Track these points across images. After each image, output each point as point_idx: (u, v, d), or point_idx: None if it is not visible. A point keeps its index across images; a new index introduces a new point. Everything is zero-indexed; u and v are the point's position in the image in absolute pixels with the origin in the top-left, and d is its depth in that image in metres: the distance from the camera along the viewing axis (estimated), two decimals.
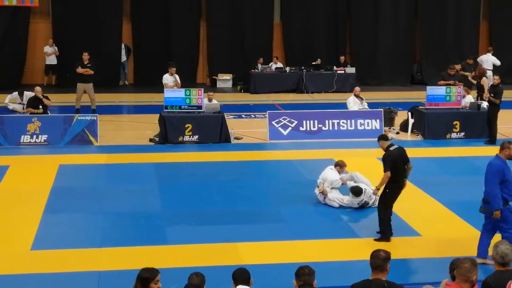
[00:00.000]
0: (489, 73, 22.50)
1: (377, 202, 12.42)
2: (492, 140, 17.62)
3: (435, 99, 18.46)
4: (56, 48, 25.96)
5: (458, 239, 10.94)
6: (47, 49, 25.83)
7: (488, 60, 25.22)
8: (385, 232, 10.72)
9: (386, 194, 10.80)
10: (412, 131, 18.77)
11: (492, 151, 16.93)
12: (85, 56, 20.24)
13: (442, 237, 11.03)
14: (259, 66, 26.23)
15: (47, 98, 18.57)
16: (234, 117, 20.56)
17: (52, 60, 25.98)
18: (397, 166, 10.61)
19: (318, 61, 26.59)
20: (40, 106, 18.14)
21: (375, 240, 10.67)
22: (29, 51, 26.17)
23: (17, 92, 21.05)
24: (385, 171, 10.62)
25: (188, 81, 24.35)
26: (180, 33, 27.05)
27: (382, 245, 10.14)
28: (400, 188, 10.76)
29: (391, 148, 10.76)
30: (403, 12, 28.60)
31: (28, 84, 24.37)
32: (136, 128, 19.32)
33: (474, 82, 20.92)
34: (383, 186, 10.78)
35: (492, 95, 17.54)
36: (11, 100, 21.01)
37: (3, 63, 25.35)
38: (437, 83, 20.03)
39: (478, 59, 25.23)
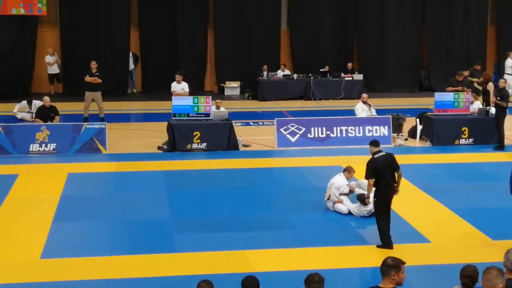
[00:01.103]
0: (509, 77, 22.40)
1: None
2: (500, 146, 17.59)
3: (443, 105, 18.43)
4: (57, 56, 26.02)
5: (468, 245, 10.91)
6: (48, 58, 25.87)
7: (507, 64, 25.24)
8: (383, 240, 10.68)
9: (374, 203, 10.86)
10: (420, 138, 18.74)
11: (501, 157, 17.00)
12: (93, 65, 20.34)
13: (452, 244, 11.00)
14: (265, 73, 26.24)
15: (56, 113, 18.61)
16: (242, 125, 20.57)
17: (54, 69, 26.02)
18: (380, 174, 10.57)
19: (326, 68, 26.59)
20: (49, 122, 18.17)
21: (377, 246, 10.67)
22: (37, 60, 26.24)
23: (26, 101, 21.14)
24: (365, 178, 10.77)
25: (196, 89, 24.38)
26: (187, 41, 27.11)
27: (391, 252, 10.12)
28: (387, 196, 10.68)
29: (376, 156, 10.72)
30: (410, 18, 28.57)
31: (36, 92, 24.47)
32: (145, 136, 19.34)
33: (480, 88, 20.91)
34: (372, 194, 10.79)
35: (498, 98, 17.54)
36: (20, 109, 21.09)
37: (11, 72, 25.41)
38: (445, 89, 20.02)
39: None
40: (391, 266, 6.16)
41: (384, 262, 6.20)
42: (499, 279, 5.81)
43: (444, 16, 28.69)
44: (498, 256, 10.22)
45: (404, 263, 6.24)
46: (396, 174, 10.74)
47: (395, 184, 10.76)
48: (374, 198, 10.79)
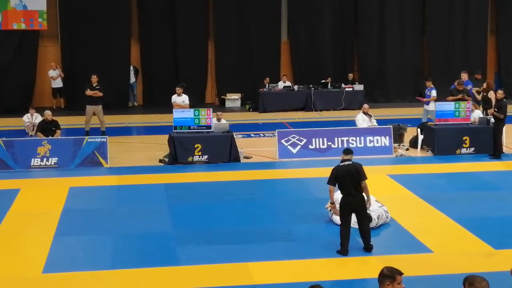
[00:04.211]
0: None
1: (389, 218, 12.42)
2: (497, 155, 17.60)
3: (444, 114, 18.45)
4: (60, 70, 26.10)
5: (471, 255, 10.88)
6: (52, 73, 25.95)
7: None
8: (342, 245, 10.87)
9: (339, 209, 11.10)
10: (421, 147, 18.74)
11: (502, 166, 16.99)
12: (94, 79, 20.38)
13: (454, 254, 10.97)
14: (267, 85, 26.28)
15: (58, 127, 18.64)
16: (243, 136, 20.58)
17: (58, 83, 26.10)
18: (340, 182, 10.91)
19: (328, 80, 26.58)
20: (50, 136, 18.17)
21: (337, 251, 10.87)
22: (38, 74, 26.33)
23: (29, 113, 21.15)
24: (327, 183, 11.05)
25: (196, 101, 24.45)
26: (188, 54, 27.18)
27: (393, 262, 10.08)
28: (350, 204, 10.85)
29: (341, 164, 11.04)
30: (410, 28, 28.66)
31: (38, 107, 24.46)
32: (146, 149, 19.35)
33: (479, 97, 20.95)
34: (332, 200, 11.21)
35: (496, 109, 17.58)
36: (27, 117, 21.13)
37: (12, 86, 25.53)
38: (446, 99, 20.03)
39: None
40: (386, 276, 6.14)
41: (380, 272, 6.20)
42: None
43: (444, 25, 28.75)
44: (501, 265, 10.23)
45: (401, 273, 6.18)
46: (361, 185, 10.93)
47: (363, 194, 10.91)
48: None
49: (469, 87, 21.11)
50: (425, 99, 20.83)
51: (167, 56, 27.24)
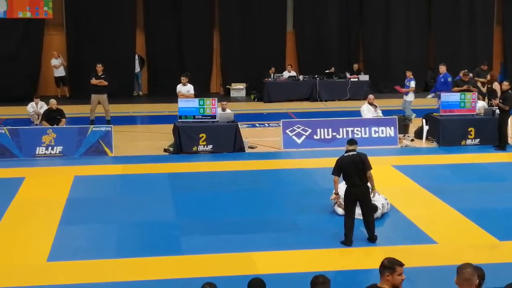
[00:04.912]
0: None
1: (389, 206, 12.42)
2: (502, 146, 17.57)
3: (450, 105, 18.40)
4: (62, 59, 26.10)
5: (475, 246, 10.88)
6: (54, 61, 25.95)
7: None
8: (346, 235, 10.89)
9: (344, 200, 11.10)
10: (427, 138, 18.71)
11: (507, 157, 16.96)
12: (99, 68, 20.39)
13: (458, 245, 10.97)
14: (272, 75, 26.24)
15: (63, 115, 18.65)
16: (248, 126, 20.58)
17: (60, 72, 26.10)
18: (345, 172, 10.90)
19: (332, 69, 26.56)
20: (55, 125, 18.18)
21: (340, 242, 10.89)
22: (43, 63, 26.33)
23: (34, 102, 21.16)
24: (331, 174, 11.05)
25: (201, 91, 24.43)
26: (193, 43, 27.14)
27: (397, 253, 10.09)
28: (355, 194, 10.85)
29: (345, 154, 11.02)
30: (416, 18, 28.56)
31: (43, 96, 24.48)
32: (151, 138, 19.36)
33: (484, 89, 20.85)
34: (338, 190, 11.15)
35: (501, 101, 17.53)
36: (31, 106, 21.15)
37: (18, 75, 25.53)
38: (451, 90, 19.97)
39: None
40: (386, 267, 6.15)
41: (381, 263, 6.21)
42: (475, 276, 5.84)
43: (450, 16, 28.64)
44: (505, 257, 10.25)
45: (401, 265, 6.18)
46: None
47: (367, 184, 10.90)
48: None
49: (449, 79, 20.99)
50: (403, 90, 20.90)
51: (172, 45, 27.21)
